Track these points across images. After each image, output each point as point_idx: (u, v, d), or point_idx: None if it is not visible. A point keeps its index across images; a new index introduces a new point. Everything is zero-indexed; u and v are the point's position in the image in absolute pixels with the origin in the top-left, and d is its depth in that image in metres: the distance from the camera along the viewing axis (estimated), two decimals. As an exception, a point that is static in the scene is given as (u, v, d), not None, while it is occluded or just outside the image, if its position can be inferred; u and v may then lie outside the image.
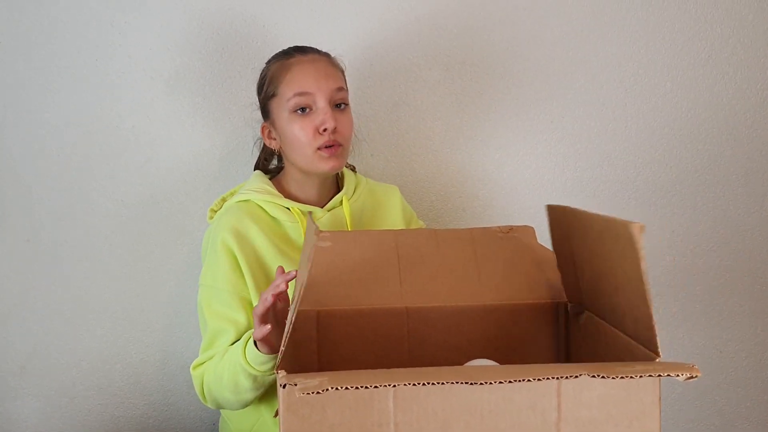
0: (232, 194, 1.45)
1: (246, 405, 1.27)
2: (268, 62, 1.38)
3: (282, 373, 0.77)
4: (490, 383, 0.66)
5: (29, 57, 1.50)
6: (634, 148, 1.74)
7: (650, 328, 0.80)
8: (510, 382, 0.66)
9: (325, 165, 1.32)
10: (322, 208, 1.38)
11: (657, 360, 0.79)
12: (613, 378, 0.67)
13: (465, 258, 1.14)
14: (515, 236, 1.18)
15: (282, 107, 1.32)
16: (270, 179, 1.42)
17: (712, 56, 1.73)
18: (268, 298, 1.04)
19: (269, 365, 1.15)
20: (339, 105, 1.33)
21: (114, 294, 1.60)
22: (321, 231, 1.19)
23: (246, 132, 1.56)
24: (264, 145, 1.45)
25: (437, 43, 1.64)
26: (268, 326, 1.05)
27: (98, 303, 1.60)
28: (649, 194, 1.76)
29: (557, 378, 0.68)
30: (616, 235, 0.85)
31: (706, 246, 1.80)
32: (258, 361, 1.15)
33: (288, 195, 1.39)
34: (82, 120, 1.53)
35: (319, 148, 1.31)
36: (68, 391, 1.61)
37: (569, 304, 1.08)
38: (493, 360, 1.03)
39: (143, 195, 1.58)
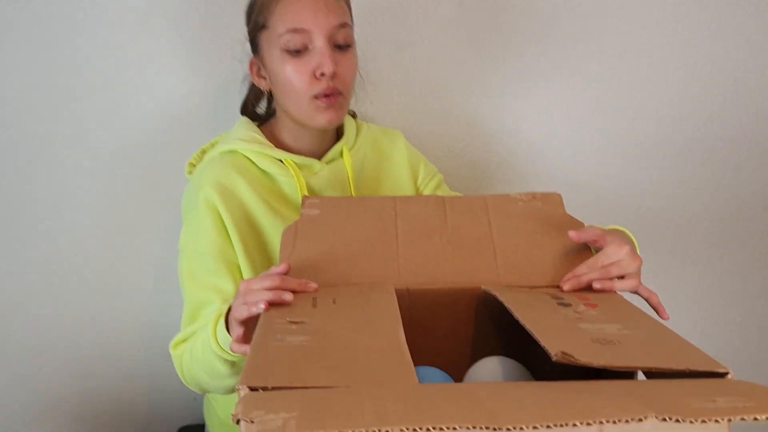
0: (213, 145, 1.26)
1: (233, 391, 1.10)
2: None
3: (244, 389, 0.60)
4: (519, 429, 0.48)
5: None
6: (671, 100, 1.53)
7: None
8: (547, 427, 0.48)
9: (322, 118, 1.12)
10: (319, 160, 1.20)
11: (729, 376, 0.62)
12: (691, 422, 0.48)
13: (479, 231, 0.96)
14: (539, 205, 1.00)
15: (273, 43, 1.12)
16: (258, 126, 1.23)
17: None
18: (260, 306, 0.84)
19: (247, 347, 0.97)
20: (341, 45, 1.12)
21: (84, 255, 1.44)
22: (308, 197, 1.01)
23: (228, 76, 1.36)
24: (252, 84, 1.25)
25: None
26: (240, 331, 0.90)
27: (66, 265, 1.44)
28: (686, 152, 1.56)
29: (613, 422, 0.50)
30: None
31: (754, 209, 1.61)
32: (229, 344, 0.97)
33: (280, 145, 1.20)
34: (43, 61, 1.34)
35: (315, 97, 1.11)
36: (34, 361, 1.48)
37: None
38: (510, 355, 0.86)
39: (114, 145, 1.39)
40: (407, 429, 0.47)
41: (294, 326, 0.75)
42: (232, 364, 1.01)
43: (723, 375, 0.62)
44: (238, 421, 0.52)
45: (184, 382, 1.15)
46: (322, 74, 1.09)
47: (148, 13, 1.35)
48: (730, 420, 0.47)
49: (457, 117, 1.49)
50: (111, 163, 1.40)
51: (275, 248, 1.12)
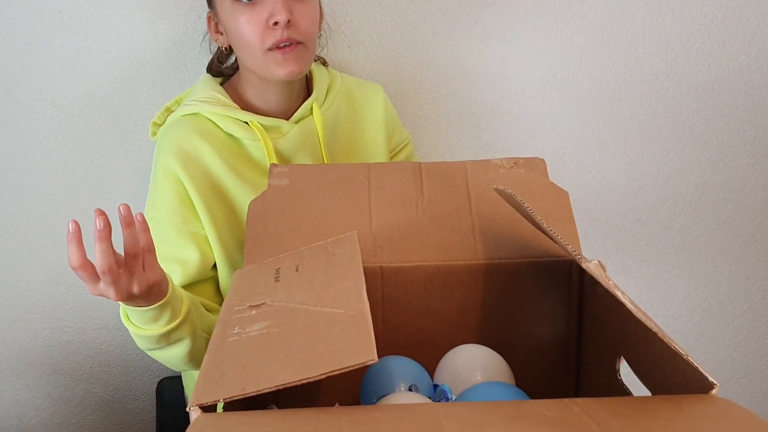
0: (177, 103, 1.19)
1: (195, 365, 1.05)
2: None
3: (195, 411, 0.56)
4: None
5: None
6: (666, 42, 1.45)
7: (687, 362, 0.59)
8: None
9: (280, 70, 1.05)
10: (288, 120, 1.13)
11: (713, 392, 0.58)
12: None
13: (456, 202, 0.91)
14: (521, 172, 0.94)
15: None
16: (222, 84, 1.16)
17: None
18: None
19: (165, 317, 0.91)
20: None
21: (51, 208, 1.38)
22: (276, 166, 0.95)
23: (197, 21, 1.27)
24: (219, 47, 1.18)
25: None
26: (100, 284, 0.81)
27: (33, 218, 1.38)
28: (681, 97, 1.49)
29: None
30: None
31: (745, 159, 1.55)
32: (142, 319, 0.91)
33: (245, 105, 1.13)
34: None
35: (270, 49, 1.03)
36: (7, 314, 1.44)
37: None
38: (490, 341, 0.82)
39: (77, 94, 1.32)
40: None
41: (254, 311, 0.71)
42: (158, 338, 0.94)
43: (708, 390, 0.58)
44: None
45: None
46: (275, 23, 1.01)
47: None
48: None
49: (439, 61, 1.40)
50: (76, 112, 1.32)
51: (244, 215, 1.06)
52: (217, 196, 1.08)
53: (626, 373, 0.77)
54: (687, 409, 0.56)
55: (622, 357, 0.77)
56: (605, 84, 1.46)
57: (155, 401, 1.47)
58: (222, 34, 1.11)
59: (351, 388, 0.78)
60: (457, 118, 1.44)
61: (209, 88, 1.12)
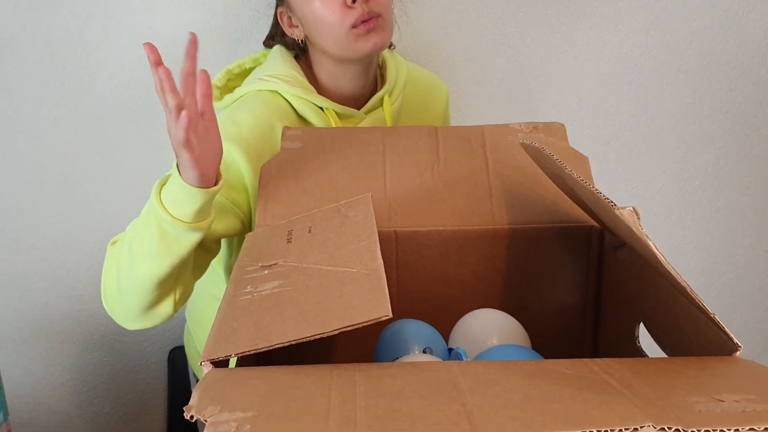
0: (240, 68, 1.17)
1: (150, 311, 0.96)
2: None
3: (207, 366, 0.55)
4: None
5: None
6: (688, 10, 1.42)
7: (713, 319, 0.57)
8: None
9: (366, 44, 1.02)
10: (359, 109, 1.11)
11: (738, 353, 0.56)
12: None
13: (473, 166, 0.89)
14: (541, 137, 0.92)
15: None
16: (295, 59, 1.12)
17: None
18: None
19: (196, 207, 0.83)
20: None
21: (64, 177, 1.37)
22: (289, 128, 0.93)
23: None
24: (275, 28, 1.15)
25: None
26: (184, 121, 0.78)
27: (47, 187, 1.37)
28: (703, 65, 1.46)
29: None
30: (607, 211, 0.62)
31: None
32: (180, 198, 0.83)
33: (320, 88, 1.11)
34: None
35: (352, 26, 1.01)
36: (20, 282, 1.44)
37: (606, 232, 0.83)
38: (506, 308, 0.81)
39: (82, 56, 1.31)
40: None
41: (266, 271, 0.70)
42: (164, 234, 0.86)
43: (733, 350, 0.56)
44: (191, 417, 0.47)
45: (103, 298, 1.02)
46: (354, 1, 0.99)
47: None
48: (737, 431, 0.41)
49: (457, 27, 1.38)
50: (84, 78, 1.31)
51: None
52: None
53: (644, 340, 0.76)
54: (710, 369, 0.54)
55: (640, 322, 0.76)
56: (625, 52, 1.43)
57: (167, 370, 1.47)
58: (297, 26, 1.08)
59: (364, 350, 0.77)
60: (474, 86, 1.41)
61: (288, 65, 1.09)
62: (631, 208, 0.54)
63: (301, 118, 1.07)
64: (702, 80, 1.47)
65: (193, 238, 0.86)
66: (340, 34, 1.02)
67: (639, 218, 0.54)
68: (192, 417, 0.46)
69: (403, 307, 0.84)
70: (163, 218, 0.84)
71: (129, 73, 1.32)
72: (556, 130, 0.94)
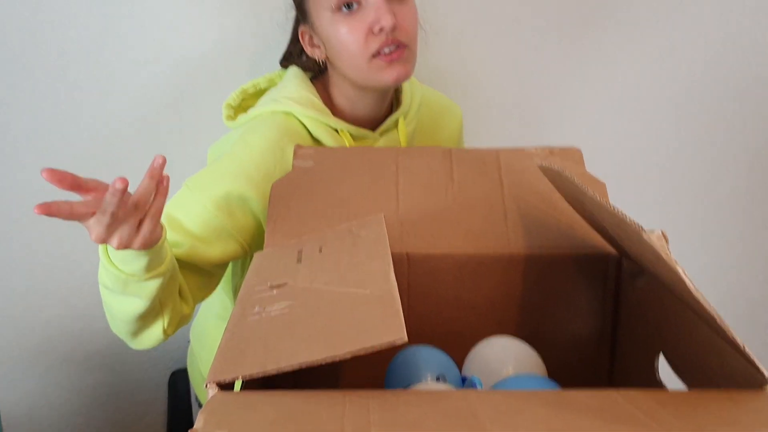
0: (255, 88, 1.15)
1: (136, 332, 0.95)
2: None
3: (212, 388, 0.52)
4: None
5: None
6: (703, 39, 1.40)
7: (741, 351, 0.54)
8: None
9: (388, 76, 1.00)
10: (374, 131, 1.10)
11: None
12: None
13: (488, 189, 0.87)
14: (557, 161, 0.90)
15: (321, 5, 1.01)
16: (311, 80, 1.11)
17: None
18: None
19: (144, 263, 0.82)
20: None
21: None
22: (301, 147, 0.91)
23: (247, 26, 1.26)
24: (295, 35, 1.13)
25: None
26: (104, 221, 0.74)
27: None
28: (718, 96, 1.45)
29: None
30: (634, 237, 0.60)
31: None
32: (124, 257, 0.82)
33: (335, 110, 1.09)
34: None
35: (374, 55, 0.99)
36: (21, 300, 1.42)
37: (624, 260, 0.81)
38: (520, 334, 0.78)
39: (93, 74, 1.29)
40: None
41: (275, 291, 0.68)
42: (124, 282, 0.85)
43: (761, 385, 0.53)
44: None
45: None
46: (381, 29, 0.97)
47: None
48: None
49: (470, 53, 1.37)
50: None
51: None
52: None
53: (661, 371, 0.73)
54: (742, 404, 0.51)
55: (660, 353, 0.73)
56: (639, 81, 1.42)
57: (167, 393, 1.45)
58: (318, 47, 1.07)
59: (374, 374, 0.74)
60: (486, 110, 1.40)
61: (303, 87, 1.07)
62: (660, 232, 0.52)
63: (316, 140, 1.06)
64: (717, 111, 1.46)
65: (154, 284, 0.85)
66: (363, 63, 1.01)
67: (667, 242, 0.52)
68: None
69: (414, 332, 0.81)
70: (117, 274, 0.84)
71: (140, 92, 1.31)
72: (573, 155, 0.92)
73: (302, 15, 1.07)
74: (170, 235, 0.95)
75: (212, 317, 1.23)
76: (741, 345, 0.54)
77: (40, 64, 1.27)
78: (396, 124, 1.11)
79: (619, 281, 0.82)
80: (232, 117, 1.12)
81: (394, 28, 0.98)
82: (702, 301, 0.54)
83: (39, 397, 1.47)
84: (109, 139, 1.33)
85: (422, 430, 0.45)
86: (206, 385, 0.53)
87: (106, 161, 1.34)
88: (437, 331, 0.82)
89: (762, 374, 0.54)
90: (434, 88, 1.26)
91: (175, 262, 0.91)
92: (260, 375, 0.53)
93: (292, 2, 1.09)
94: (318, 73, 1.13)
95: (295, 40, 1.13)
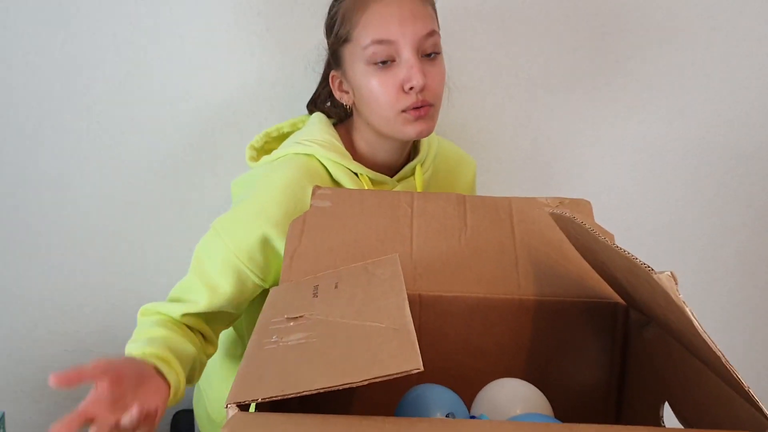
0: (278, 131, 1.20)
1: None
2: None
3: (232, 409, 0.54)
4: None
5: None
6: (713, 103, 1.45)
7: (747, 394, 0.56)
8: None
9: (412, 130, 1.04)
10: (392, 177, 1.13)
11: (772, 433, 0.55)
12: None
13: (500, 236, 0.89)
14: (566, 212, 0.92)
15: (357, 56, 1.05)
16: (335, 125, 1.15)
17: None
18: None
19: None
20: (429, 54, 1.04)
21: (84, 230, 1.40)
22: (319, 187, 0.94)
23: (281, 71, 1.32)
24: (323, 80, 1.17)
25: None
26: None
27: (65, 239, 1.40)
28: (726, 158, 1.48)
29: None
30: (643, 280, 0.61)
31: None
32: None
33: (356, 155, 1.13)
34: (93, 41, 1.29)
35: (403, 110, 1.03)
36: (29, 334, 1.44)
37: (631, 310, 0.83)
38: (528, 380, 0.79)
39: (116, 113, 1.34)
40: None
41: (292, 323, 0.69)
42: None
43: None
44: None
45: None
46: (411, 88, 1.02)
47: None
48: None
49: (483, 108, 1.41)
50: (164, 142, 1.36)
51: None
52: None
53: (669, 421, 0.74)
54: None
55: (665, 401, 0.74)
56: (649, 141, 1.45)
57: None
58: (347, 93, 1.11)
59: (382, 407, 0.75)
60: (497, 164, 1.43)
61: (326, 131, 1.11)
62: (669, 273, 0.54)
63: (336, 182, 1.09)
64: (725, 172, 1.48)
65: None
66: (390, 116, 1.04)
67: (677, 284, 0.54)
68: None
69: (424, 373, 0.83)
70: None
71: (161, 133, 1.35)
72: (583, 206, 0.94)
73: (335, 60, 1.10)
74: (194, 284, 1.03)
75: (220, 356, 1.24)
76: (746, 387, 0.56)
77: (64, 103, 1.31)
78: (413, 172, 1.14)
79: (627, 331, 0.83)
80: (255, 158, 1.15)
81: (423, 89, 1.02)
82: (709, 342, 0.55)
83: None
84: (122, 180, 1.37)
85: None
86: (226, 406, 0.54)
87: (116, 198, 1.38)
88: (447, 374, 0.83)
89: (766, 417, 0.55)
90: (452, 140, 1.30)
91: (194, 363, 1.00)
92: (279, 398, 0.54)
93: (325, 46, 1.13)
94: (341, 120, 1.17)
95: (324, 82, 1.16)
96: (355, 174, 1.09)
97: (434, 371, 0.82)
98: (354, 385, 0.54)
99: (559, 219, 0.79)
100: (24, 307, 1.42)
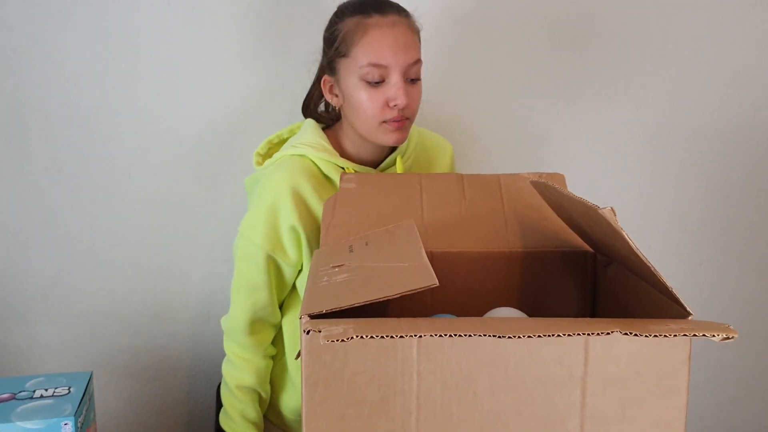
0: (279, 138, 1.41)
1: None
2: (342, 13, 1.27)
3: (305, 318, 0.75)
4: (518, 337, 0.64)
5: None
6: (673, 93, 1.68)
7: (670, 293, 0.78)
8: (538, 336, 0.64)
9: (389, 138, 1.26)
10: (375, 168, 1.34)
11: (689, 318, 0.77)
12: (646, 336, 0.65)
13: (492, 204, 1.11)
14: (545, 183, 1.15)
15: (352, 71, 1.24)
16: (323, 130, 1.36)
17: None
18: None
19: None
20: (412, 79, 1.25)
21: (133, 225, 1.60)
22: (345, 173, 1.16)
23: (281, 80, 1.54)
24: (315, 85, 1.37)
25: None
26: None
27: (118, 233, 1.60)
28: (687, 140, 1.72)
29: (586, 334, 0.66)
30: (594, 218, 0.83)
31: (741, 196, 1.76)
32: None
33: (342, 152, 1.33)
34: (101, 48, 1.50)
35: (384, 121, 1.24)
36: (88, 319, 1.63)
37: (598, 255, 1.05)
38: (518, 309, 1.01)
39: (162, 127, 1.56)
40: (434, 334, 0.63)
41: (336, 269, 0.91)
42: None
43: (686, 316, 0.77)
44: (298, 356, 0.67)
45: None
46: (395, 105, 1.22)
47: (217, 12, 1.52)
48: (675, 335, 0.62)
49: (474, 106, 1.64)
50: (161, 143, 1.56)
51: None
52: (313, 225, 1.28)
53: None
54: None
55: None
56: (615, 132, 1.68)
57: (215, 406, 1.61)
58: (337, 96, 1.30)
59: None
60: (488, 155, 1.66)
61: (316, 135, 1.32)
62: (610, 208, 0.76)
63: (326, 176, 1.30)
64: (684, 152, 1.72)
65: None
66: (372, 125, 1.25)
67: (616, 216, 0.76)
68: (307, 332, 0.66)
69: (438, 309, 1.05)
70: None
71: (185, 140, 1.56)
72: (558, 179, 1.16)
73: (330, 68, 1.29)
74: (243, 290, 1.33)
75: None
76: (671, 289, 0.78)
77: (64, 118, 1.51)
78: (394, 162, 1.35)
79: (594, 271, 1.06)
80: (260, 163, 1.37)
81: (404, 107, 1.23)
82: (641, 255, 0.77)
83: (99, 407, 1.65)
84: (161, 181, 1.58)
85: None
86: (300, 317, 0.75)
87: (164, 197, 1.58)
88: (454, 311, 1.05)
89: (685, 309, 0.77)
90: (448, 133, 1.52)
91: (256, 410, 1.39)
92: (336, 309, 0.76)
93: (320, 51, 1.32)
94: (330, 124, 1.38)
95: (317, 84, 1.35)
96: (342, 168, 1.30)
97: (445, 309, 1.05)
98: (391, 297, 0.75)
99: (537, 185, 1.01)
100: (85, 297, 1.61)
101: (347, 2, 1.29)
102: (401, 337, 0.65)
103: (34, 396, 1.07)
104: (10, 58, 1.47)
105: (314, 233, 1.28)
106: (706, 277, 1.81)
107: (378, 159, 1.35)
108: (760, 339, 1.86)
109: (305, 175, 1.27)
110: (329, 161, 1.29)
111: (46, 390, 1.09)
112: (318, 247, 1.25)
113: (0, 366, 1.58)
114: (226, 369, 1.38)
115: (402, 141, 1.27)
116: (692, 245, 1.79)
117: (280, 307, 1.38)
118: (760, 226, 1.79)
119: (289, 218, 1.25)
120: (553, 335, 0.64)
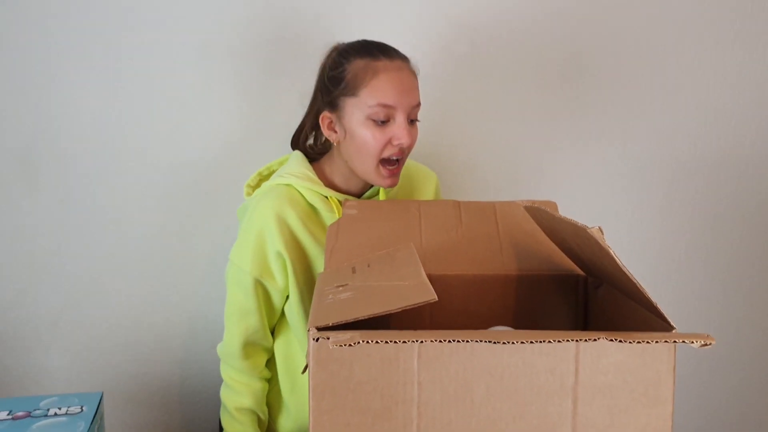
0: (269, 170, 1.46)
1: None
2: (347, 54, 1.31)
3: (313, 330, 0.80)
4: (511, 343, 0.70)
5: (65, 21, 1.54)
6: (656, 126, 1.76)
7: (655, 308, 0.83)
8: (531, 342, 0.69)
9: (383, 182, 1.31)
10: (359, 198, 1.39)
11: (673, 331, 0.82)
12: (630, 342, 0.70)
13: (487, 229, 1.17)
14: (538, 208, 1.21)
15: (359, 109, 1.28)
16: (311, 162, 1.41)
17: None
18: None
19: None
20: (412, 120, 1.31)
21: (143, 255, 1.65)
22: (348, 200, 1.22)
23: (274, 111, 1.61)
24: (306, 119, 1.41)
25: (465, 19, 1.66)
26: None
27: (128, 263, 1.64)
28: (673, 173, 1.78)
29: (576, 341, 0.72)
30: (584, 238, 0.88)
31: (728, 224, 1.82)
32: None
33: (328, 183, 1.38)
34: (115, 82, 1.57)
35: (382, 162, 1.29)
36: (96, 347, 1.67)
37: (589, 278, 1.10)
38: (513, 329, 1.06)
39: (163, 164, 1.62)
40: (434, 340, 0.68)
41: (340, 288, 0.96)
42: None
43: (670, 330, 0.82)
44: (305, 370, 0.73)
45: None
46: (398, 144, 1.28)
47: (206, 45, 1.58)
48: (656, 342, 0.68)
49: (471, 137, 1.70)
50: (171, 176, 1.62)
51: (317, 269, 1.34)
52: (298, 251, 1.32)
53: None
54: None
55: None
56: (607, 164, 1.75)
57: (218, 428, 1.65)
58: (336, 132, 1.33)
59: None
60: (485, 184, 1.72)
61: (302, 166, 1.37)
62: (598, 227, 0.82)
63: (310, 205, 1.34)
64: (670, 184, 1.78)
65: None
66: (371, 163, 1.30)
67: (603, 234, 0.82)
68: (316, 339, 0.71)
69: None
70: None
71: (183, 177, 1.63)
72: (550, 206, 1.22)
73: (332, 105, 1.31)
74: (235, 315, 1.37)
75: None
76: (654, 303, 0.83)
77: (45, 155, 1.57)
78: (378, 192, 1.40)
79: (586, 293, 1.11)
80: (250, 193, 1.42)
81: (407, 146, 1.29)
82: (627, 272, 0.83)
83: (106, 434, 1.70)
84: (164, 208, 1.64)
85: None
86: (309, 329, 0.80)
87: (167, 224, 1.64)
88: (452, 331, 1.10)
89: (669, 324, 0.82)
90: (444, 164, 1.58)
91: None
92: (341, 323, 0.81)
93: (317, 89, 1.36)
94: (318, 156, 1.42)
95: (312, 118, 1.38)
96: (326, 197, 1.35)
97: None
98: (393, 311, 0.81)
99: (530, 210, 1.07)
100: (94, 324, 1.65)
101: (349, 44, 1.33)
102: (404, 342, 0.70)
103: (48, 414, 1.11)
104: (29, 97, 1.54)
105: (299, 259, 1.32)
106: (693, 305, 1.86)
107: (363, 190, 1.40)
108: (746, 364, 1.91)
109: (291, 203, 1.32)
110: (314, 190, 1.34)
111: (60, 408, 1.13)
112: (303, 274, 1.34)
113: (11, 390, 1.62)
114: (224, 393, 1.42)
115: (394, 185, 1.32)
116: (679, 274, 1.84)
117: (272, 332, 1.43)
118: (745, 255, 1.85)
119: (275, 244, 1.30)
120: (545, 341, 0.69)
